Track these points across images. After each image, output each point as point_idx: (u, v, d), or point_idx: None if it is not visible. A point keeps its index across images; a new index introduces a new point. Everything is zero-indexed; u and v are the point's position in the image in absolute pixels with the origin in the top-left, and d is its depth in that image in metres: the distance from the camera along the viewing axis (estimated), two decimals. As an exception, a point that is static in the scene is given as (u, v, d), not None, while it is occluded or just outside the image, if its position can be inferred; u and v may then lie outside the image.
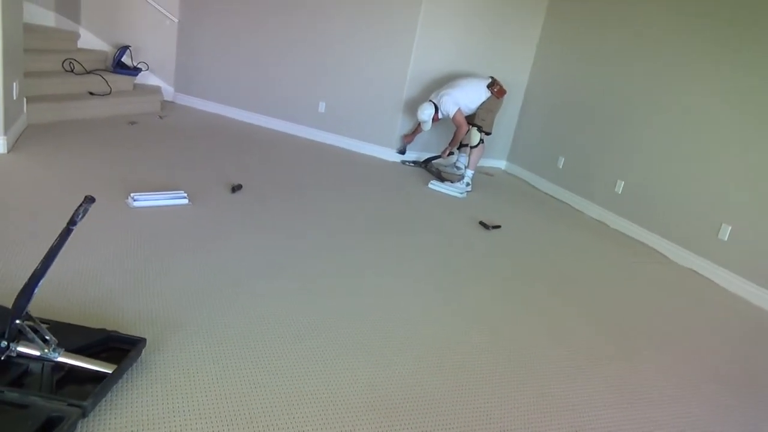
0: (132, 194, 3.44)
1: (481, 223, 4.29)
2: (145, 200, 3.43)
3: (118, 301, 2.41)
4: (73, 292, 2.40)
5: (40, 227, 2.94)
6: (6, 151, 3.89)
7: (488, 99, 5.00)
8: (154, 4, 6.03)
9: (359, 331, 2.54)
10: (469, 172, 5.10)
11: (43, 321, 1.96)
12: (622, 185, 4.85)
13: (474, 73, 5.44)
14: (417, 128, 5.58)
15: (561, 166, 5.54)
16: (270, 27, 5.89)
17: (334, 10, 5.62)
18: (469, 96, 5.03)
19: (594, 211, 5.12)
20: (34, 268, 1.75)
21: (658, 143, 4.58)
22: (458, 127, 5.17)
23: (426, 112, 5.15)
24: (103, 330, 2.06)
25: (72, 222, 1.68)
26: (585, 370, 2.59)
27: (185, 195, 3.62)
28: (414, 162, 5.76)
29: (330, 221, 3.83)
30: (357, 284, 2.99)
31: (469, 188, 5.06)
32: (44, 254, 1.73)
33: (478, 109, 5.05)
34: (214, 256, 2.99)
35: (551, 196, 5.59)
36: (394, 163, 5.75)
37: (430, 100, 5.18)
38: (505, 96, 5.13)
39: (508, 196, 5.39)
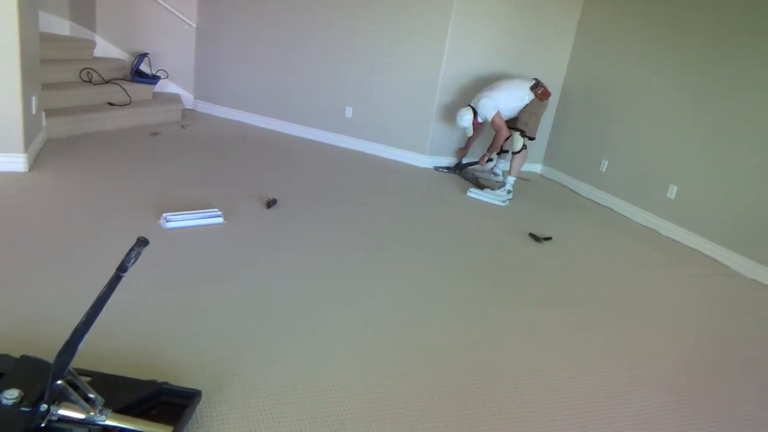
0: (165, 214, 3.19)
1: (532, 235, 4.01)
2: (179, 221, 3.19)
3: (160, 341, 2.16)
4: (109, 332, 2.15)
5: (67, 253, 2.70)
6: (27, 170, 3.66)
7: (531, 102, 4.72)
8: (171, 8, 5.80)
9: (454, 381, 2.27)
10: (511, 179, 4.82)
11: (83, 373, 1.72)
12: (676, 190, 4.55)
13: (515, 74, 5.15)
14: (470, 140, 5.31)
15: (604, 170, 5.25)
16: (292, 29, 5.64)
17: (361, 10, 5.36)
18: (509, 98, 4.75)
19: (642, 217, 4.83)
20: (78, 321, 1.49)
21: (714, 146, 4.28)
22: (497, 132, 4.89)
23: (465, 118, 4.89)
24: (152, 382, 1.81)
25: (122, 268, 1.43)
26: None
27: (220, 213, 3.37)
28: (448, 168, 5.49)
29: (373, 238, 3.56)
30: (424, 314, 2.73)
31: (510, 195, 4.78)
32: (92, 303, 1.47)
33: (520, 112, 4.77)
34: (259, 283, 2.73)
35: (594, 201, 5.30)
36: (426, 169, 5.48)
37: (469, 105, 4.91)
38: (550, 98, 4.84)
39: (550, 202, 5.11)
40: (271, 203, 3.74)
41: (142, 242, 1.41)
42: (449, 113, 5.35)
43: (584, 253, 3.96)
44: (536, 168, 6.06)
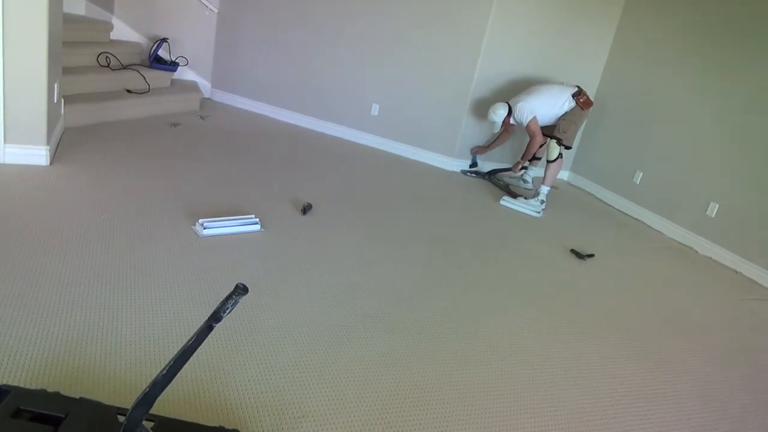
0: (200, 220, 2.99)
1: (574, 252, 3.86)
2: (215, 228, 2.99)
3: (216, 375, 1.97)
4: (156, 363, 1.96)
5: (98, 269, 2.50)
6: (48, 163, 3.43)
7: (572, 110, 4.54)
8: (193, -8, 5.54)
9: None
10: (545, 189, 4.65)
11: (147, 418, 1.53)
12: (717, 208, 4.41)
13: (556, 80, 4.96)
14: (495, 140, 5.13)
15: (638, 182, 5.10)
16: (319, 20, 5.40)
17: (398, 4, 5.13)
18: (549, 105, 4.57)
19: (677, 233, 4.69)
20: (157, 373, 1.31)
21: (761, 165, 4.14)
22: (532, 138, 4.72)
23: (498, 113, 4.71)
24: (221, 429, 1.62)
25: (216, 318, 1.24)
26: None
27: (257, 220, 3.18)
28: (476, 172, 5.31)
29: (414, 252, 3.39)
30: (484, 337, 2.56)
31: (543, 206, 4.61)
32: (175, 354, 1.29)
33: (559, 119, 4.59)
34: (311, 302, 2.55)
35: (625, 213, 5.15)
36: (454, 173, 5.29)
37: (506, 102, 4.73)
38: (591, 108, 4.66)
39: (582, 213, 4.96)
40: (306, 209, 3.55)
41: (241, 290, 1.22)
42: (481, 115, 5.17)
43: (627, 272, 3.81)
44: (563, 175, 5.90)
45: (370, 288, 2.81)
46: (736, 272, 4.21)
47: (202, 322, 1.27)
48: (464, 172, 5.31)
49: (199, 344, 1.28)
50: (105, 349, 1.97)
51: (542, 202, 4.62)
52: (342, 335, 2.37)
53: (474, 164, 5.32)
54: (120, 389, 1.80)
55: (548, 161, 4.64)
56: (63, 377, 1.80)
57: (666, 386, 2.53)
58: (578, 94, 4.53)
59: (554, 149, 4.59)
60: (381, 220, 3.76)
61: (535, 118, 4.60)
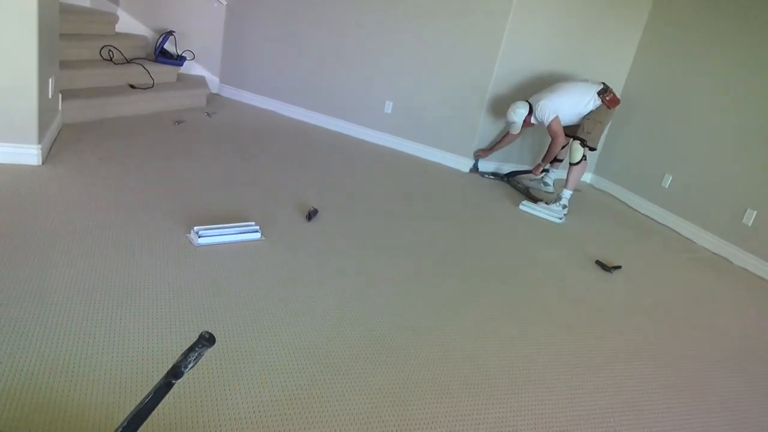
0: (195, 228, 2.78)
1: (599, 263, 3.58)
2: (211, 236, 2.77)
3: (199, 407, 1.75)
4: (132, 398, 1.75)
5: (81, 283, 2.29)
6: (40, 163, 3.24)
7: (597, 108, 4.25)
8: (201, -17, 5.33)
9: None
10: (567, 193, 4.37)
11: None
12: (754, 216, 4.09)
13: (580, 77, 4.65)
14: (500, 142, 4.84)
15: (668, 186, 4.79)
16: (331, 12, 5.16)
17: (411, -3, 4.88)
18: (572, 103, 4.28)
19: (709, 241, 4.38)
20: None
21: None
22: (554, 139, 4.43)
23: (518, 111, 4.43)
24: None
25: (176, 374, 1.02)
26: None
27: (257, 228, 2.95)
28: (494, 174, 5.04)
29: (426, 264, 3.14)
30: (503, 366, 2.32)
31: (565, 211, 4.33)
32: (128, 415, 1.06)
33: (583, 119, 4.30)
34: (310, 326, 2.32)
35: (652, 219, 4.85)
36: (470, 174, 5.03)
37: (526, 101, 4.45)
38: (618, 107, 4.36)
39: (606, 219, 4.67)
40: (311, 214, 3.32)
41: (206, 341, 1.00)
42: (500, 114, 4.89)
43: (657, 287, 3.53)
44: (586, 177, 5.60)
45: (376, 309, 2.57)
46: (774, 286, 3.90)
47: (159, 381, 1.04)
48: (482, 174, 5.04)
49: (157, 404, 1.06)
50: (74, 379, 1.76)
51: (564, 207, 4.34)
52: (344, 365, 2.13)
53: (475, 168, 5.03)
54: (84, 430, 1.59)
55: (571, 164, 4.35)
56: (18, 413, 1.59)
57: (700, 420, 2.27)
58: (604, 92, 4.23)
59: (577, 151, 4.30)
60: (391, 228, 3.52)
61: (557, 117, 4.32)
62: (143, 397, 1.05)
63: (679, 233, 4.61)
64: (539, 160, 4.94)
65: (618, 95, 4.34)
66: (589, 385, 2.33)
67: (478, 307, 2.77)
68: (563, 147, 4.69)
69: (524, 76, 4.87)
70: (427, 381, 2.12)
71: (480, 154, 4.99)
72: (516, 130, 4.56)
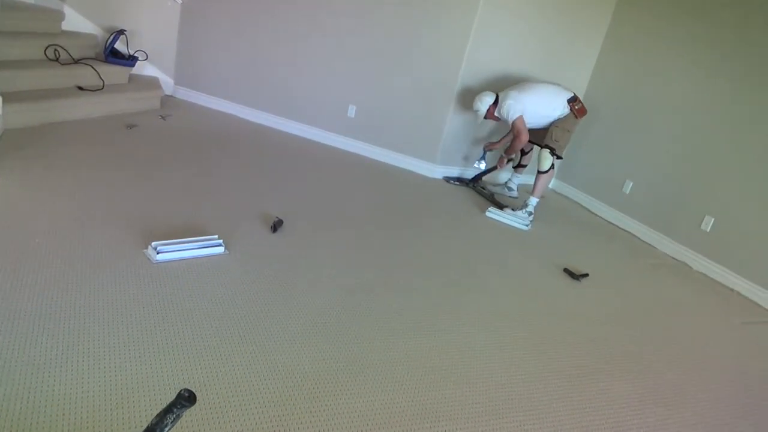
0: (153, 243, 2.60)
1: (567, 271, 3.58)
2: (171, 252, 2.60)
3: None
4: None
5: (26, 311, 2.09)
6: (-22, 173, 2.99)
7: (566, 117, 4.25)
8: (154, -20, 5.08)
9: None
10: (534, 200, 4.36)
11: None
12: (712, 223, 4.19)
13: (552, 81, 4.62)
14: (504, 138, 4.76)
15: (628, 192, 4.85)
16: (291, 12, 5.00)
17: (375, -1, 4.78)
18: (541, 105, 4.25)
19: (669, 247, 4.46)
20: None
21: (760, 177, 3.93)
22: (517, 136, 4.33)
23: (484, 100, 4.37)
24: None
25: (149, 436, 0.89)
26: None
27: (220, 242, 2.80)
28: (459, 180, 5.00)
29: (392, 274, 3.05)
30: (476, 380, 2.25)
31: (531, 218, 4.33)
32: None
33: (552, 126, 4.29)
34: (281, 347, 2.20)
35: (614, 225, 4.90)
36: (435, 180, 4.97)
37: (495, 93, 4.41)
38: (585, 118, 4.37)
39: (570, 225, 4.69)
40: (276, 225, 3.18)
41: (186, 400, 0.87)
42: (466, 118, 4.86)
43: (624, 294, 3.55)
44: (551, 183, 5.62)
45: (346, 323, 2.47)
46: (732, 290, 3.99)
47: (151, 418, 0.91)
48: (447, 180, 4.98)
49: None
50: (21, 424, 1.59)
51: (530, 214, 4.34)
52: (320, 388, 2.02)
53: (474, 177, 4.95)
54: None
55: (539, 171, 4.35)
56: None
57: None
58: (573, 101, 4.24)
59: (546, 159, 4.30)
60: (358, 236, 3.42)
61: (521, 117, 4.28)
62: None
63: (640, 239, 4.68)
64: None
65: (585, 107, 4.35)
66: (574, 398, 2.29)
67: (450, 319, 2.70)
68: (526, 153, 4.70)
69: (492, 74, 4.82)
70: (405, 402, 2.03)
71: (490, 146, 4.80)
72: (480, 120, 4.53)
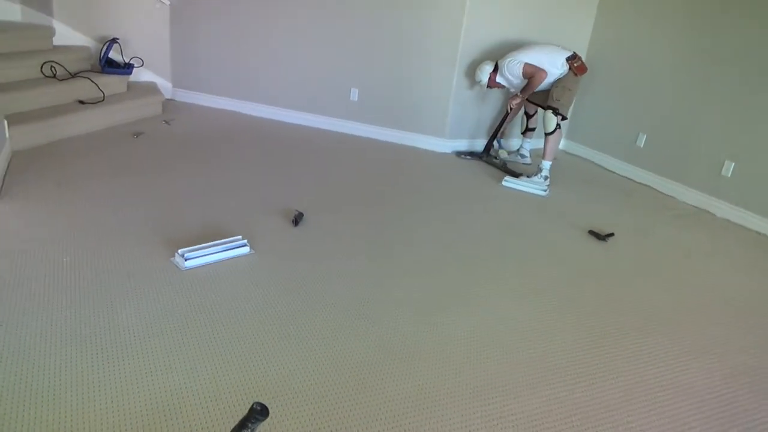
0: (180, 251, 2.59)
1: (592, 233, 3.54)
2: (198, 258, 2.59)
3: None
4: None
5: (56, 330, 2.09)
6: (-6, 200, 2.98)
7: (565, 75, 4.20)
8: (140, -16, 5.00)
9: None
10: (546, 164, 4.31)
11: None
12: (733, 167, 4.12)
13: (549, 42, 4.54)
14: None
15: (642, 145, 4.79)
16: (283, 2, 4.92)
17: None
18: (541, 61, 4.22)
19: (690, 196, 4.40)
20: None
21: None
22: (532, 77, 4.25)
23: (484, 68, 4.42)
24: None
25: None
26: None
27: (245, 242, 2.78)
28: (471, 154, 4.94)
29: (417, 254, 3.03)
30: (522, 356, 2.24)
31: (547, 182, 4.29)
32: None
33: (552, 87, 4.24)
34: (323, 341, 2.19)
35: (631, 179, 4.85)
36: (447, 155, 4.92)
37: (495, 61, 4.42)
38: (587, 76, 4.31)
39: (586, 185, 4.63)
40: (297, 219, 3.16)
41: (259, 414, 0.86)
42: (470, 88, 4.79)
43: (652, 249, 3.52)
44: (560, 144, 5.56)
45: (384, 309, 2.45)
46: (759, 233, 3.95)
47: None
48: (459, 155, 4.92)
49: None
50: (81, 443, 1.59)
51: (546, 178, 4.29)
52: (367, 376, 2.01)
53: (485, 148, 4.90)
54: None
55: (546, 134, 4.29)
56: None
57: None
58: (572, 59, 4.18)
59: (551, 120, 4.24)
60: (380, 220, 3.40)
61: (526, 63, 4.23)
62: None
63: (659, 191, 4.62)
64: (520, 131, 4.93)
65: (585, 64, 4.28)
66: (616, 360, 2.28)
67: (486, 294, 2.68)
68: (532, 115, 4.66)
69: (491, 44, 4.74)
70: (454, 381, 2.03)
71: (511, 102, 4.57)
72: (483, 88, 4.62)
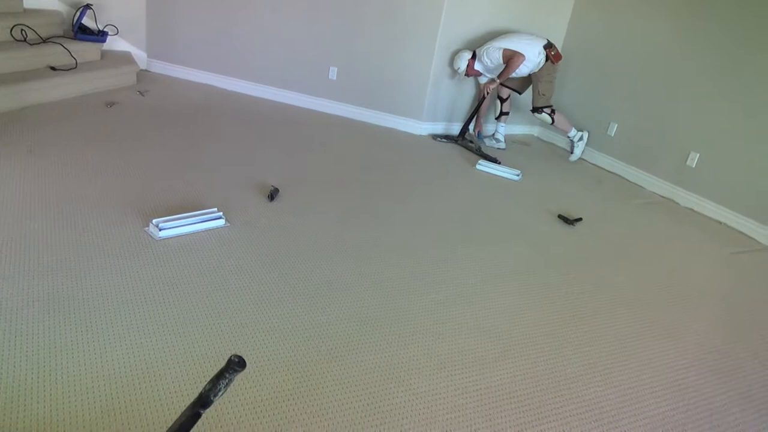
0: (154, 220, 2.59)
1: (561, 217, 3.65)
2: (173, 228, 2.59)
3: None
4: (125, 415, 1.62)
5: (29, 288, 2.09)
6: (-37, 164, 2.92)
7: (543, 66, 4.35)
8: (116, -51, 4.88)
9: None
10: (573, 132, 4.85)
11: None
12: (697, 158, 4.27)
13: (526, 31, 4.64)
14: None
15: (613, 134, 4.90)
16: (263, -24, 4.87)
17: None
18: (520, 48, 4.33)
19: (657, 186, 4.55)
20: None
21: (741, 110, 3.99)
22: (510, 60, 4.33)
23: (462, 56, 4.55)
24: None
25: (204, 403, 0.92)
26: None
27: (220, 214, 2.79)
28: (446, 137, 4.99)
29: (391, 232, 3.08)
30: (491, 330, 2.31)
31: (583, 143, 4.94)
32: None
33: (536, 81, 4.42)
34: (298, 313, 2.23)
35: (601, 168, 4.97)
36: (423, 137, 4.97)
37: (472, 50, 4.57)
38: (562, 63, 4.46)
39: (558, 172, 4.74)
40: (273, 194, 3.18)
41: (237, 365, 0.90)
42: (449, 74, 4.83)
43: (618, 235, 3.64)
44: (534, 131, 5.67)
45: (356, 283, 2.50)
46: (719, 222, 4.11)
47: (187, 405, 0.94)
48: (435, 138, 4.97)
49: (184, 435, 0.95)
50: (50, 403, 1.61)
51: (580, 139, 4.87)
52: (339, 346, 2.07)
53: (461, 131, 4.95)
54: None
55: (551, 124, 4.73)
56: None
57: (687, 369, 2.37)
58: (549, 47, 4.31)
59: (545, 119, 4.68)
60: (354, 197, 3.43)
61: (504, 48, 4.35)
62: (168, 428, 0.95)
63: (628, 180, 4.76)
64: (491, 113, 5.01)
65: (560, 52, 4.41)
66: (579, 337, 2.38)
67: (456, 273, 2.75)
68: (506, 99, 4.76)
69: (470, 32, 4.79)
70: (423, 354, 2.09)
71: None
72: (461, 76, 4.76)
